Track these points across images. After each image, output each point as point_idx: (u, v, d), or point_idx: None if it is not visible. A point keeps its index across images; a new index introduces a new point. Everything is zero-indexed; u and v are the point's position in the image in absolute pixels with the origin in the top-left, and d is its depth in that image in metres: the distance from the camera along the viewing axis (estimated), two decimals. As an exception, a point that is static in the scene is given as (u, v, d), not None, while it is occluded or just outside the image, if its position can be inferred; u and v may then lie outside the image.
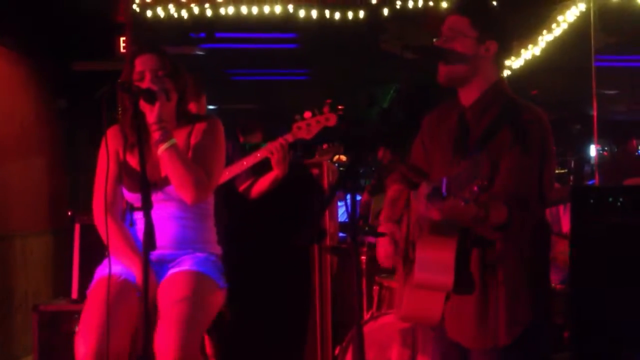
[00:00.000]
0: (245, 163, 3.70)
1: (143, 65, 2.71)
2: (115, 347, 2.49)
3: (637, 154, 6.94)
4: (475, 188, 1.97)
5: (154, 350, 2.46)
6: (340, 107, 3.68)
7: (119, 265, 2.69)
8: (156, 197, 2.65)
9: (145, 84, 2.66)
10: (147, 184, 2.28)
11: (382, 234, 2.50)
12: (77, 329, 2.58)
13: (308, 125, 3.67)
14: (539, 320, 2.30)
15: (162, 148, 2.63)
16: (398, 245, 2.43)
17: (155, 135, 2.64)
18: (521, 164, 2.21)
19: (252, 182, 3.79)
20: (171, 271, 2.70)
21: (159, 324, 2.53)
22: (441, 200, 2.03)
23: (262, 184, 3.76)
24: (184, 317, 2.50)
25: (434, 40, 2.41)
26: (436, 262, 2.19)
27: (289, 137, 3.69)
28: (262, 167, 3.74)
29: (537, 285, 2.31)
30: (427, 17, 5.78)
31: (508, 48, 2.44)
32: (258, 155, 3.68)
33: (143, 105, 2.61)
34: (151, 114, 2.62)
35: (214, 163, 2.77)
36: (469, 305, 2.29)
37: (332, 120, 3.67)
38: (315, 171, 4.22)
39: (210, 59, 7.38)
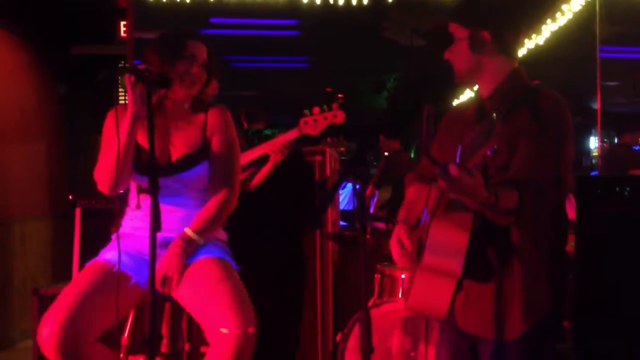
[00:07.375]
0: (248, 156, 3.69)
1: (195, 50, 2.72)
2: (81, 332, 2.41)
3: (634, 147, 6.89)
4: (489, 152, 1.93)
5: (211, 331, 2.42)
6: (340, 95, 3.66)
7: (122, 253, 2.59)
8: (165, 182, 2.63)
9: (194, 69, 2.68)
10: (155, 166, 2.25)
11: (386, 219, 2.45)
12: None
13: (315, 121, 3.64)
14: (554, 313, 2.26)
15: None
16: (403, 245, 2.42)
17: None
18: (537, 149, 2.18)
19: (252, 173, 3.77)
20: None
21: (204, 308, 2.47)
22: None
23: (260, 175, 3.78)
24: (233, 293, 2.48)
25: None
26: (448, 244, 2.15)
27: (296, 132, 3.67)
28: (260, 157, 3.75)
29: (554, 278, 2.27)
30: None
31: (505, 33, 2.36)
32: (260, 151, 3.68)
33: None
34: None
35: (236, 164, 2.78)
36: (483, 295, 2.26)
37: (339, 117, 3.64)
38: (318, 158, 4.21)
39: (211, 45, 7.31)
